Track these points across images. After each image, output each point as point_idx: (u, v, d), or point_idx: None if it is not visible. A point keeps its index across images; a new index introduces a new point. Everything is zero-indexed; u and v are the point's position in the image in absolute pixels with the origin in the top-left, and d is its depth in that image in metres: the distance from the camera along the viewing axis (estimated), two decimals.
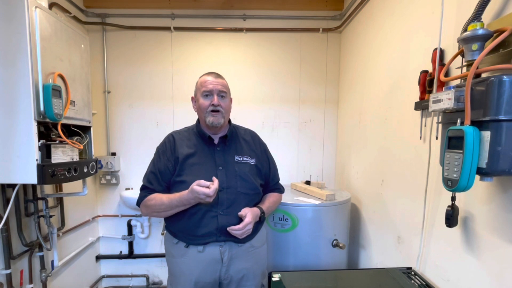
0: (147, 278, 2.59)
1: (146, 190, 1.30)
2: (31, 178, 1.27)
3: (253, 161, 1.37)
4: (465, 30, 0.90)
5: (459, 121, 0.83)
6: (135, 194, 1.53)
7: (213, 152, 1.33)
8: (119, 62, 2.38)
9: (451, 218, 0.98)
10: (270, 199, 1.42)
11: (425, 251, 1.27)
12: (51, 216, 1.73)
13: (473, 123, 0.78)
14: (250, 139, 1.44)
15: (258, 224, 1.35)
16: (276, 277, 1.23)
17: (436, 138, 1.17)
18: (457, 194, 1.00)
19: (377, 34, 1.76)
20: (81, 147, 1.54)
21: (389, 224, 1.59)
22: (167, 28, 2.35)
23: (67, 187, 1.94)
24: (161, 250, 2.57)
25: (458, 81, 1.02)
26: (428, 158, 1.21)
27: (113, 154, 2.42)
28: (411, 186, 1.38)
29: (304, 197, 1.87)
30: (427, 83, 1.22)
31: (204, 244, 1.26)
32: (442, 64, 1.12)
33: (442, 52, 1.15)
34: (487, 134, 0.75)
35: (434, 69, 1.14)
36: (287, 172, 2.50)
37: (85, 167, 1.58)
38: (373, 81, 1.82)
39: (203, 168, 1.28)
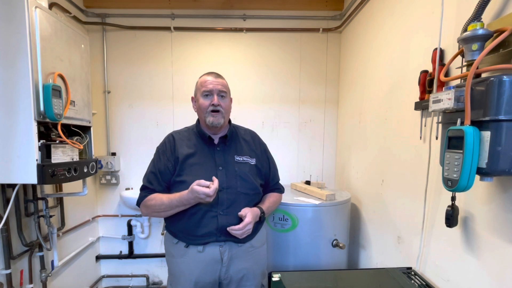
0: (147, 278, 2.59)
1: (146, 190, 1.30)
2: (31, 178, 1.27)
3: (253, 161, 1.37)
4: (465, 30, 0.90)
5: (459, 121, 0.83)
6: (135, 194, 1.53)
7: (213, 152, 1.33)
8: (119, 62, 2.38)
9: (451, 218, 0.98)
10: (270, 199, 1.42)
11: (425, 251, 1.27)
12: (51, 216, 1.73)
13: (473, 123, 0.78)
14: (250, 139, 1.44)
15: (258, 224, 1.35)
16: (276, 277, 1.23)
17: (436, 138, 1.17)
18: (457, 194, 1.00)
19: (377, 34, 1.76)
20: (81, 147, 1.54)
21: (389, 224, 1.59)
22: (167, 28, 2.35)
23: (67, 187, 1.94)
24: (161, 250, 2.57)
25: (458, 81, 1.02)
26: (428, 158, 1.21)
27: (113, 154, 2.42)
28: (411, 186, 1.38)
29: (304, 197, 1.87)
30: (427, 83, 1.22)
31: (204, 244, 1.26)
32: (442, 64, 1.12)
33: (442, 52, 1.15)
34: (487, 134, 0.75)
35: (434, 69, 1.14)
36: (287, 172, 2.50)
37: (85, 167, 1.58)
38: (373, 81, 1.82)
39: (203, 168, 1.28)
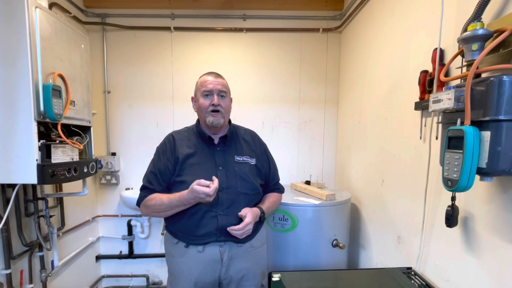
0: (147, 278, 2.59)
1: (146, 190, 1.30)
2: (31, 178, 1.27)
3: (253, 161, 1.37)
4: (465, 30, 0.90)
5: (459, 121, 0.83)
6: (135, 194, 1.53)
7: (213, 152, 1.33)
8: (119, 62, 2.38)
9: (451, 218, 0.98)
10: (270, 199, 1.42)
11: (425, 251, 1.27)
12: (51, 216, 1.73)
13: (473, 123, 0.78)
14: (250, 139, 1.44)
15: (258, 224, 1.35)
16: (276, 277, 1.23)
17: (436, 138, 1.17)
18: (457, 194, 1.00)
19: (377, 34, 1.76)
20: (81, 147, 1.54)
21: (389, 224, 1.59)
22: (167, 28, 2.35)
23: (67, 187, 1.94)
24: (161, 250, 2.57)
25: (458, 81, 1.02)
26: (428, 158, 1.21)
27: (113, 154, 2.42)
28: (411, 186, 1.38)
29: (304, 197, 1.87)
30: (427, 83, 1.22)
31: (204, 244, 1.26)
32: (442, 64, 1.12)
33: (442, 52, 1.15)
34: (487, 134, 0.75)
35: (434, 69, 1.14)
36: (287, 172, 2.50)
37: (85, 167, 1.58)
38: (373, 81, 1.82)
39: (203, 168, 1.28)
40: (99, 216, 2.51)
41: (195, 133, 1.37)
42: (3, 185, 1.46)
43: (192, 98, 1.39)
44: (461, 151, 0.77)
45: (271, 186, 1.48)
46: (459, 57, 1.01)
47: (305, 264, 1.73)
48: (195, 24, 2.37)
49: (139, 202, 1.31)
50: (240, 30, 2.38)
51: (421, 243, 1.28)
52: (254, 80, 2.44)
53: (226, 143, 1.36)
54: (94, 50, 2.32)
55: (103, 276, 2.56)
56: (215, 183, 1.14)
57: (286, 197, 1.76)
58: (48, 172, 1.29)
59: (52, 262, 1.86)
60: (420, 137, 1.31)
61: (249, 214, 1.25)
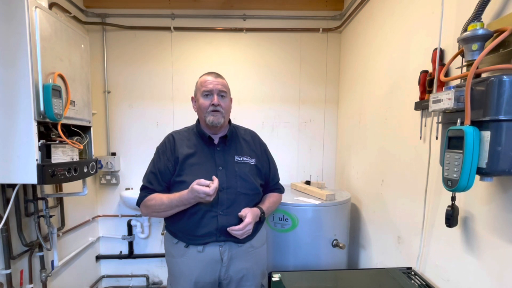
0: (147, 278, 2.59)
1: (146, 190, 1.30)
2: (31, 178, 1.27)
3: (253, 161, 1.37)
4: (465, 30, 0.90)
5: (459, 121, 0.83)
6: (135, 194, 1.53)
7: (213, 152, 1.33)
8: (119, 62, 2.38)
9: (451, 218, 0.98)
10: (270, 199, 1.42)
11: (425, 251, 1.27)
12: (51, 216, 1.73)
13: (473, 123, 0.78)
14: (250, 139, 1.44)
15: (258, 224, 1.35)
16: (276, 277, 1.23)
17: (436, 138, 1.17)
18: (457, 194, 1.00)
19: (377, 34, 1.76)
20: (81, 147, 1.54)
21: (389, 224, 1.59)
22: (167, 28, 2.35)
23: (67, 187, 1.94)
24: (161, 250, 2.57)
25: (458, 81, 1.02)
26: (428, 158, 1.21)
27: (113, 154, 2.42)
28: (411, 186, 1.38)
29: (304, 197, 1.87)
30: (427, 83, 1.22)
31: (204, 244, 1.26)
32: (442, 64, 1.12)
33: (442, 52, 1.15)
34: (487, 134, 0.75)
35: (434, 69, 1.14)
36: (287, 172, 2.50)
37: (85, 167, 1.58)
38: (373, 81, 1.82)
39: (203, 168, 1.28)
40: (99, 216, 2.51)
41: (195, 133, 1.37)
42: (3, 185, 1.46)
43: (192, 98, 1.39)
44: (461, 151, 0.77)
45: (271, 186, 1.48)
46: (459, 57, 1.01)
47: (305, 264, 1.73)
48: (195, 24, 2.37)
49: (139, 202, 1.31)
50: (240, 30, 2.38)
51: (421, 243, 1.28)
52: (254, 80, 2.44)
53: (226, 143, 1.36)
54: (94, 50, 2.32)
55: (103, 276, 2.56)
56: (215, 183, 1.14)
57: (286, 197, 1.76)
58: (48, 172, 1.29)
59: (52, 262, 1.86)
60: (420, 137, 1.31)
61: (249, 214, 1.25)
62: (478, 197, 0.98)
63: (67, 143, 1.42)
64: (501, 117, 0.72)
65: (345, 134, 2.34)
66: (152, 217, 2.51)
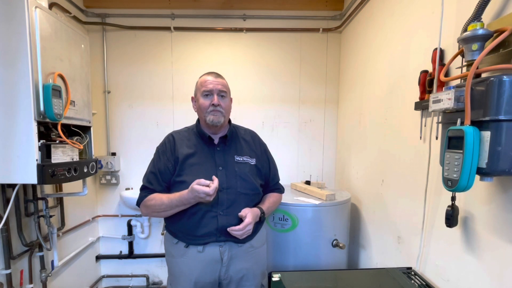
0: (147, 278, 2.59)
1: (146, 190, 1.30)
2: (31, 178, 1.27)
3: (253, 161, 1.37)
4: (465, 30, 0.90)
5: (459, 121, 0.83)
6: (135, 194, 1.53)
7: (213, 152, 1.33)
8: (119, 62, 2.38)
9: (451, 218, 0.98)
10: (270, 199, 1.42)
11: (425, 251, 1.27)
12: (51, 216, 1.73)
13: (473, 123, 0.78)
14: (250, 139, 1.44)
15: (258, 224, 1.35)
16: (276, 277, 1.23)
17: (436, 138, 1.17)
18: (457, 194, 1.00)
19: (377, 34, 1.76)
20: (81, 147, 1.54)
21: (389, 224, 1.59)
22: (167, 28, 2.35)
23: (67, 187, 1.94)
24: (161, 250, 2.57)
25: (458, 81, 1.02)
26: (428, 158, 1.21)
27: (113, 154, 2.42)
28: (411, 186, 1.38)
29: (304, 197, 1.87)
30: (427, 83, 1.22)
31: (204, 244, 1.26)
32: (442, 64, 1.12)
33: (442, 52, 1.15)
34: (487, 134, 0.75)
35: (434, 69, 1.14)
36: (287, 172, 2.50)
37: (85, 167, 1.58)
38: (373, 81, 1.82)
39: (203, 168, 1.28)
40: (99, 216, 2.51)
41: (195, 133, 1.37)
42: (3, 185, 1.46)
43: (192, 98, 1.39)
44: (461, 151, 0.77)
45: (271, 186, 1.48)
46: (459, 57, 1.01)
47: (305, 264, 1.73)
48: (195, 24, 2.37)
49: (139, 202, 1.31)
50: (240, 30, 2.38)
51: (421, 243, 1.28)
52: (254, 80, 2.44)
53: (226, 143, 1.36)
54: (94, 50, 2.32)
55: (103, 276, 2.56)
56: (215, 183, 1.14)
57: (286, 197, 1.76)
58: (48, 172, 1.29)
59: (52, 262, 1.86)
60: (420, 137, 1.31)
61: (249, 215, 1.25)
62: (478, 197, 0.98)
63: (67, 143, 1.42)
64: (501, 117, 0.72)
65: (345, 134, 2.34)
66: (152, 217, 2.51)
